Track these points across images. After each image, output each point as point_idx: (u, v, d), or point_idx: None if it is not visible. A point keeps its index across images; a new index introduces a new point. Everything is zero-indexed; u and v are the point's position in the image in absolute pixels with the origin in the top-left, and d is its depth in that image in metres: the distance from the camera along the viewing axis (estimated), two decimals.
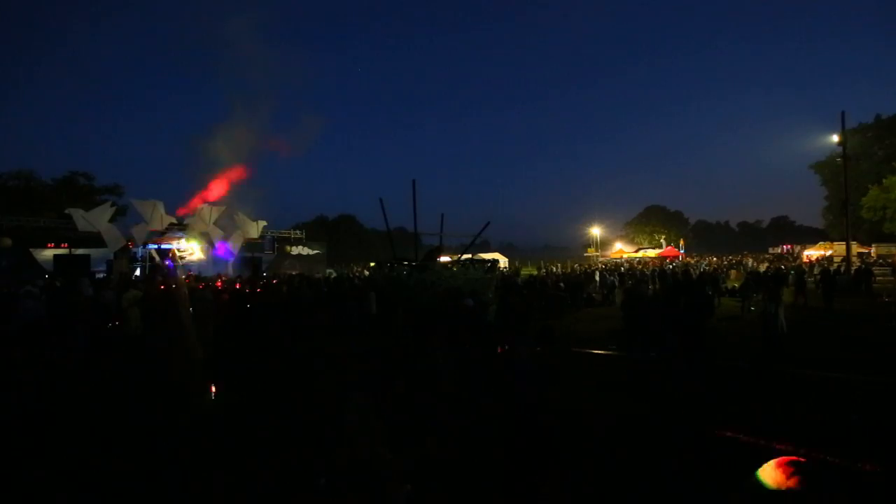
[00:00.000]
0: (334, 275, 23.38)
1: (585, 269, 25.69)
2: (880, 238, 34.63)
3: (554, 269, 29.69)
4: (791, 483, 0.64)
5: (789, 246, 43.87)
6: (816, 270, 20.08)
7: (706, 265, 26.80)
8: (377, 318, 10.14)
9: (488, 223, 14.17)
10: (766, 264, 25.20)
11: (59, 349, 6.52)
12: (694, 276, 14.96)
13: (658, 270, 21.63)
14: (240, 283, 14.83)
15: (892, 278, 20.15)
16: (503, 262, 31.50)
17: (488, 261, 14.64)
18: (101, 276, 18.45)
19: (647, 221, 67.02)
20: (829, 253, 32.03)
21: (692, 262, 31.80)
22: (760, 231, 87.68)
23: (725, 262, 27.91)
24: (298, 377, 6.49)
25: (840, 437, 4.28)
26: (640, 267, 27.21)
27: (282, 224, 36.64)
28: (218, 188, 28.54)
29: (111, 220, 23.38)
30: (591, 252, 48.12)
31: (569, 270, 26.35)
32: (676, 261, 33.65)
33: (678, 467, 3.69)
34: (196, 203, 26.52)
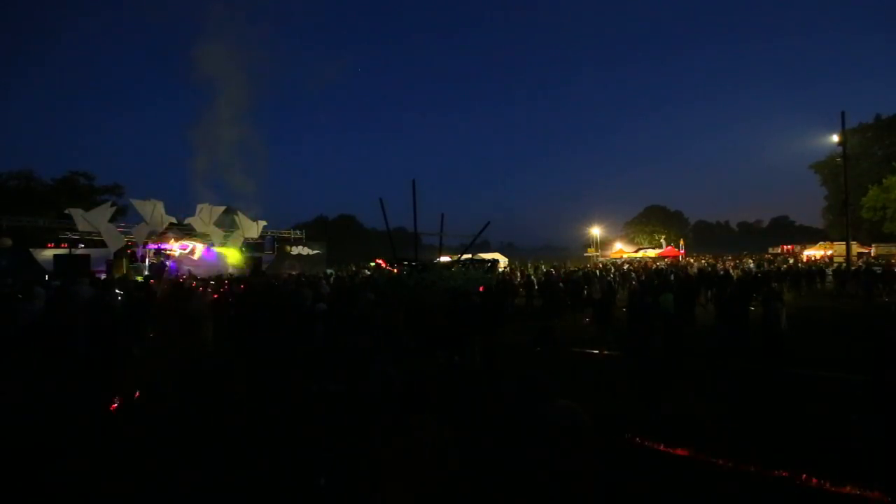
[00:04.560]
0: (334, 275, 23.37)
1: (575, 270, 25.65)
2: (880, 238, 34.62)
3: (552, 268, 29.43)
4: None
5: (790, 247, 43.82)
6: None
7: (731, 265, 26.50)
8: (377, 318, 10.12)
9: (488, 223, 14.23)
10: (756, 265, 25.24)
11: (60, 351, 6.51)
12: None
13: (665, 270, 21.70)
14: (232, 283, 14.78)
15: None
16: (503, 261, 31.46)
17: (488, 261, 14.64)
18: (101, 275, 18.44)
19: (647, 221, 66.94)
20: (829, 253, 32.01)
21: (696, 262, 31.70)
22: (760, 231, 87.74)
23: (730, 264, 27.78)
24: (298, 377, 6.48)
25: (840, 437, 4.29)
26: (638, 267, 27.18)
27: (282, 224, 36.65)
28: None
29: (111, 220, 23.38)
30: (591, 252, 48.06)
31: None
32: (677, 260, 33.65)
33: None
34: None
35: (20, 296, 7.97)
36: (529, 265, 33.65)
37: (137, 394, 5.53)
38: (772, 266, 23.89)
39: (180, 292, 10.54)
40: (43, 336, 6.80)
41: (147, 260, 23.37)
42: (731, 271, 19.98)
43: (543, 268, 28.00)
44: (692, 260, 33.54)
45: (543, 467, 1.94)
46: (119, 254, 22.45)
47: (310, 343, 7.08)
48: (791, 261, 30.85)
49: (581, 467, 1.96)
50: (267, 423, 4.71)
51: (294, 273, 22.48)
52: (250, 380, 6.22)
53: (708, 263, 28.27)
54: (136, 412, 5.09)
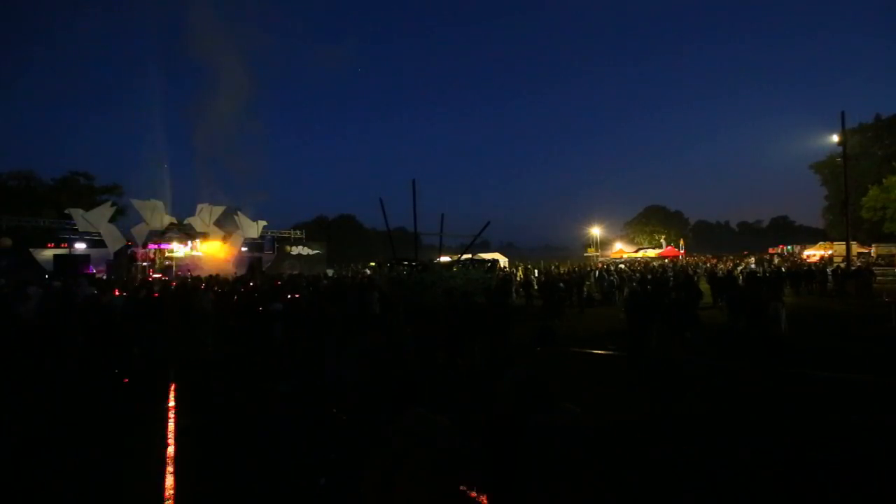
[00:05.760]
0: (336, 275, 23.37)
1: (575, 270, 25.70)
2: (880, 238, 34.57)
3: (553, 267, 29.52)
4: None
5: (790, 246, 43.78)
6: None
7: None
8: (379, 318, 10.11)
9: (488, 223, 14.24)
10: (756, 265, 25.31)
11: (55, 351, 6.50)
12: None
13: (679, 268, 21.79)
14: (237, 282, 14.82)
15: (892, 279, 20.17)
16: (503, 261, 31.44)
17: (488, 261, 14.63)
18: (101, 276, 18.45)
19: (647, 221, 66.91)
20: (829, 253, 31.99)
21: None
22: (760, 231, 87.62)
23: (730, 264, 27.78)
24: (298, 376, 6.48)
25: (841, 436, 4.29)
26: (639, 267, 27.23)
27: (282, 224, 36.73)
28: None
29: (111, 220, 23.40)
30: (591, 252, 48.06)
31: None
32: (677, 260, 33.69)
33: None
34: None
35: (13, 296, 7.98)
36: (523, 266, 33.69)
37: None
38: (771, 266, 23.93)
39: (184, 292, 10.54)
40: (39, 335, 6.80)
41: (148, 260, 23.38)
42: (732, 273, 20.10)
43: (537, 270, 28.01)
44: (712, 259, 33.49)
45: (543, 476, 1.88)
46: (120, 254, 22.49)
47: (269, 343, 7.21)
48: (779, 259, 30.95)
49: (584, 475, 1.90)
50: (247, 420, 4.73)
51: (295, 273, 22.50)
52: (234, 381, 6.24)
53: (711, 265, 28.34)
54: (132, 411, 5.09)
